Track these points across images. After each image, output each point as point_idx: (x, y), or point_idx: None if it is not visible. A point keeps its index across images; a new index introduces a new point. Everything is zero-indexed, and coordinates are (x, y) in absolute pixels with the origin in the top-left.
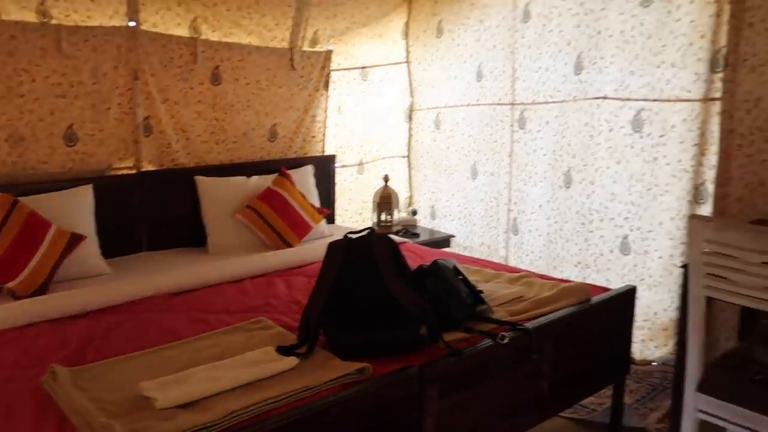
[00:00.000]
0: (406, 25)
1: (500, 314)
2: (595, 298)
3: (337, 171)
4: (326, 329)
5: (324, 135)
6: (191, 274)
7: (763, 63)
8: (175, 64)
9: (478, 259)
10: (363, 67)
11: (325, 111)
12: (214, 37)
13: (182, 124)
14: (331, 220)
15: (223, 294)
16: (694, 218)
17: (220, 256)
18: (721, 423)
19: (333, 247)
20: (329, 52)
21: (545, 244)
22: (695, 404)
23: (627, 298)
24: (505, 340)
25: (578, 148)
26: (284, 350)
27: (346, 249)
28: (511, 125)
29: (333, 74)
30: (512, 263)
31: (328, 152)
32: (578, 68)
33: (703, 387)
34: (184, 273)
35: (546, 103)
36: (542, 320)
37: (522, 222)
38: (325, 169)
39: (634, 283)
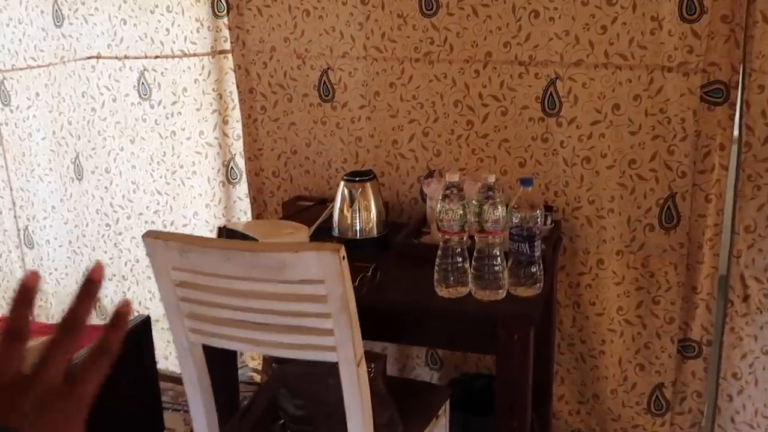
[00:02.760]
0: None
1: None
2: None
3: None
4: None
5: None
6: None
7: (269, 4)
8: None
9: None
10: None
11: None
12: None
13: None
14: None
15: None
16: (150, 236)
17: None
18: None
19: None
20: None
21: (70, 257)
22: None
23: (142, 332)
24: None
25: (81, 127)
26: None
27: None
28: None
29: None
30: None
31: None
32: (58, 18)
33: None
34: None
35: (29, 68)
36: None
37: (36, 231)
38: None
39: None
